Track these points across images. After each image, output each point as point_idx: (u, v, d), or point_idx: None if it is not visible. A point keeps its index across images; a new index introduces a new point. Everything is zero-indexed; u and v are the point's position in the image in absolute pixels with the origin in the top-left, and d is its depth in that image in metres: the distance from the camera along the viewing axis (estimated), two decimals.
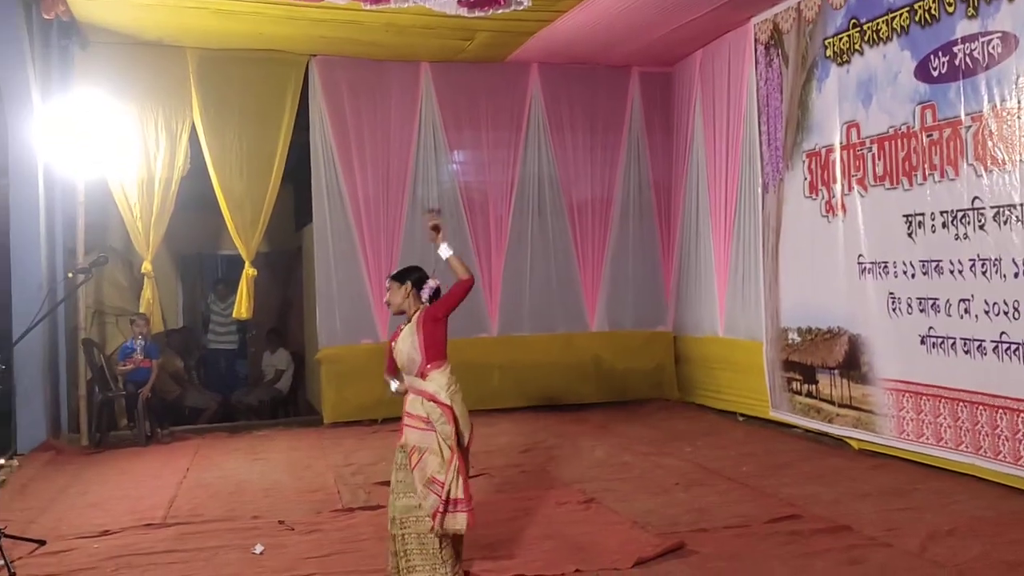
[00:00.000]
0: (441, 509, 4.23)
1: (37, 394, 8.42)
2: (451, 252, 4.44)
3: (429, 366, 4.40)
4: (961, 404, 6.15)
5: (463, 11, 7.24)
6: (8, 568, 4.74)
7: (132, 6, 7.99)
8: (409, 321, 4.55)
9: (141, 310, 9.15)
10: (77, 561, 5.01)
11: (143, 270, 9.18)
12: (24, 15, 8.36)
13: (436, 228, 4.48)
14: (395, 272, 4.72)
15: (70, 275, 7.20)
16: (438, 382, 4.39)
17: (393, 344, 4.56)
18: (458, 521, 4.27)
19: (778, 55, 8.18)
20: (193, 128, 9.21)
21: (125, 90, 8.89)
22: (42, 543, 5.26)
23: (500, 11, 7.32)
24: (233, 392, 11.52)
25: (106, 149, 8.73)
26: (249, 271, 9.32)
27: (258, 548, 5.10)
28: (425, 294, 4.56)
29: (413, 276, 4.60)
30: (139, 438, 8.70)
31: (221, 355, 12.21)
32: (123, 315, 9.77)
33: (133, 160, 9.00)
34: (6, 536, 4.96)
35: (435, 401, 4.35)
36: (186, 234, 11.23)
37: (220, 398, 11.13)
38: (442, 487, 4.25)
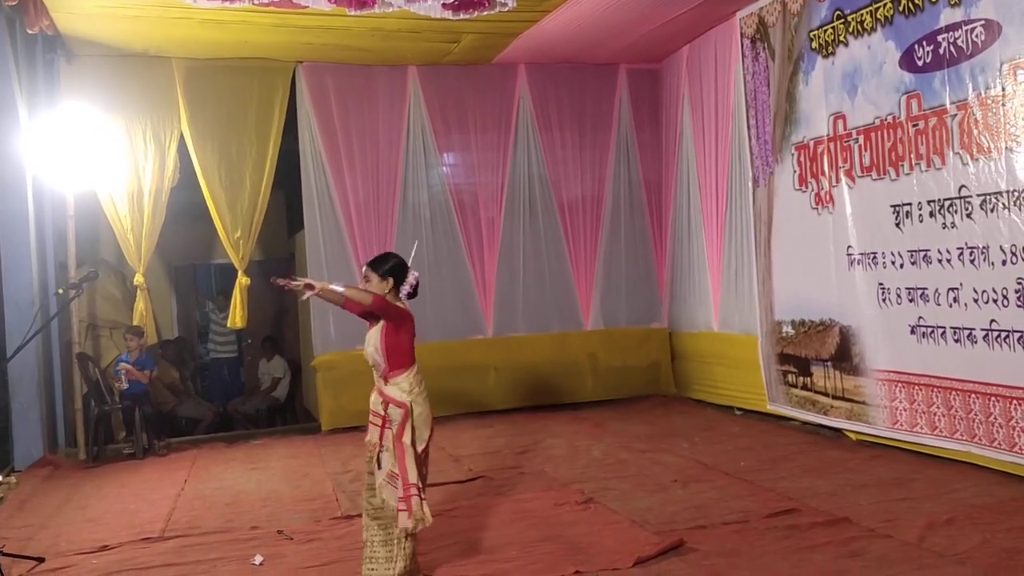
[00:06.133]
0: (403, 496, 4.19)
1: (33, 410, 8.38)
2: (343, 286, 4.19)
3: (392, 372, 4.31)
4: (953, 393, 6.16)
5: (447, 14, 7.22)
6: None
7: (117, 18, 7.96)
8: (378, 320, 4.33)
9: (135, 322, 9.10)
10: None
11: (136, 282, 9.14)
12: (7, 29, 8.30)
13: (309, 287, 4.13)
14: (374, 259, 4.42)
15: (60, 292, 7.19)
16: (400, 387, 4.31)
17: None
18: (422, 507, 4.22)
19: (764, 49, 8.19)
20: (182, 138, 9.17)
21: (112, 102, 8.86)
22: (41, 560, 5.24)
23: (485, 13, 7.30)
24: (230, 401, 11.52)
25: (95, 162, 8.71)
26: (242, 280, 9.30)
27: (257, 559, 5.09)
28: (405, 290, 4.36)
29: (393, 267, 4.34)
30: (136, 451, 8.68)
31: (224, 364, 12.23)
32: (117, 328, 9.79)
33: (122, 172, 8.97)
34: (4, 554, 4.96)
35: (393, 402, 4.28)
36: (178, 245, 11.26)
37: (216, 408, 11.13)
38: (397, 478, 4.22)
